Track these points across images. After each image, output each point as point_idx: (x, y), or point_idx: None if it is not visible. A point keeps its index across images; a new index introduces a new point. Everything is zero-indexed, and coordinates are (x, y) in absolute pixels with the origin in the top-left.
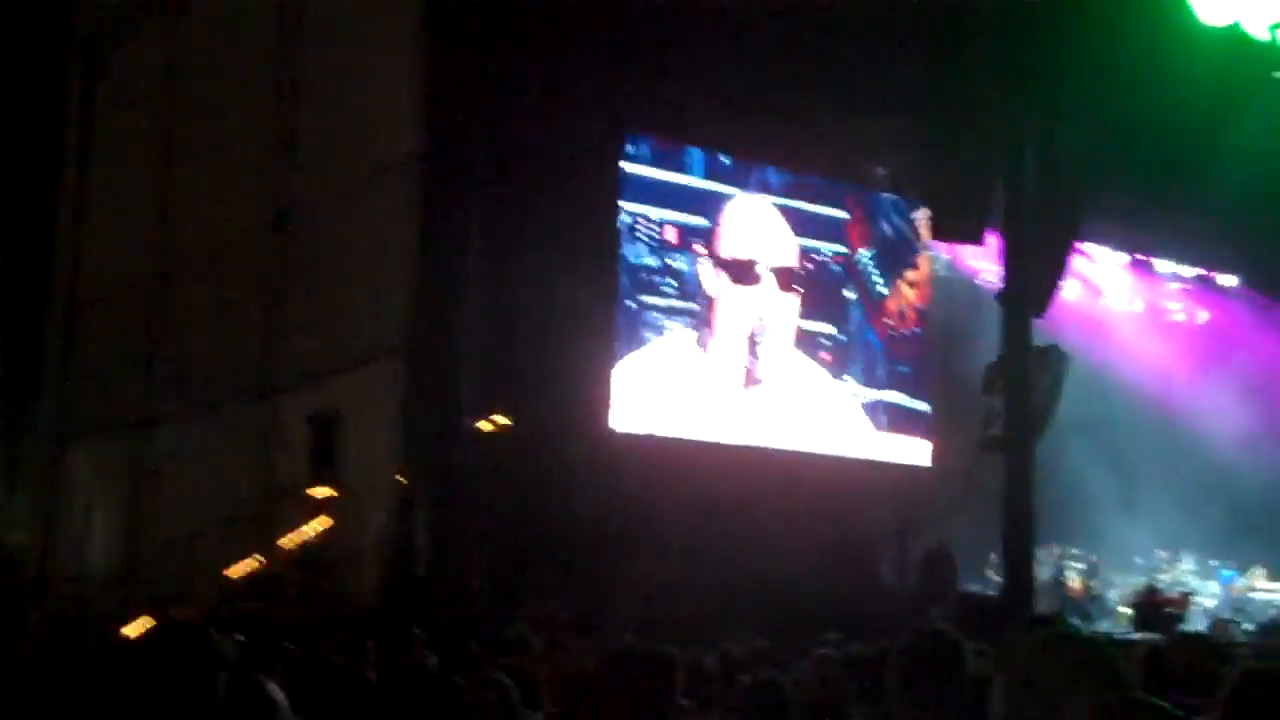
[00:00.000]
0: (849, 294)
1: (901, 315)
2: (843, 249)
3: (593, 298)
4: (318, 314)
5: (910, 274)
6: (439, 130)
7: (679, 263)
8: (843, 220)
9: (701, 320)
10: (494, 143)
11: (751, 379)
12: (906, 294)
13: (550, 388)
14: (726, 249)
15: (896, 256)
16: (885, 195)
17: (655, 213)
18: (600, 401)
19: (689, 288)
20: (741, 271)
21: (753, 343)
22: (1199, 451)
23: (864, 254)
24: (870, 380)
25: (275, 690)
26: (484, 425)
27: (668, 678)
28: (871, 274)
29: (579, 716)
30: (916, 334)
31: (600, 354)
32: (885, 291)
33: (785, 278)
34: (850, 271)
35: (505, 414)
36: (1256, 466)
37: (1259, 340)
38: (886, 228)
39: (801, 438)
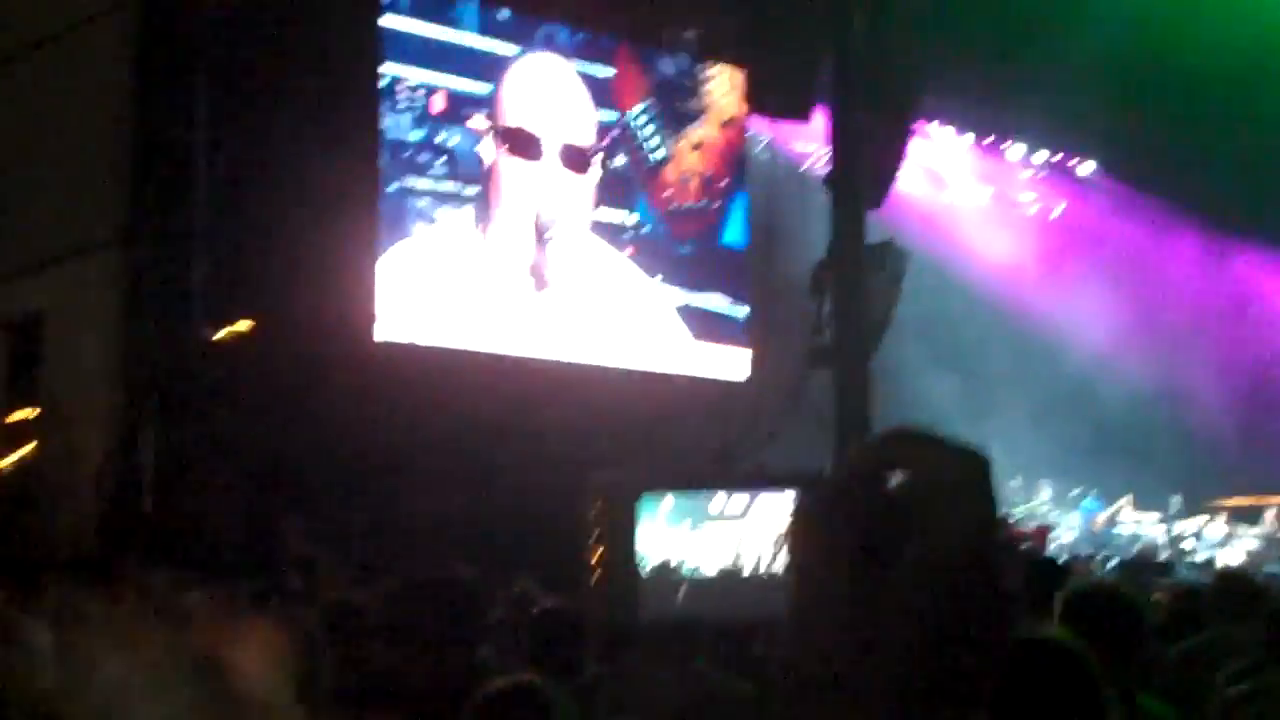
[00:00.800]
0: (619, 162)
1: (684, 184)
2: (611, 113)
3: (349, 179)
4: (10, 197)
5: (695, 132)
6: None
7: (452, 137)
8: (607, 79)
9: (481, 207)
10: None
11: (540, 279)
12: (689, 159)
13: (300, 287)
14: (509, 119)
15: (675, 111)
16: (664, 53)
17: (422, 76)
18: (361, 304)
19: (464, 168)
20: (525, 146)
21: (541, 235)
22: (1057, 360)
23: (634, 112)
24: (675, 278)
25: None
26: (220, 333)
27: (473, 602)
28: (643, 134)
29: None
30: (700, 208)
31: (361, 247)
32: (662, 155)
33: (576, 155)
34: (622, 137)
35: (246, 319)
36: (1122, 377)
37: (1121, 234)
38: (662, 76)
39: (601, 349)
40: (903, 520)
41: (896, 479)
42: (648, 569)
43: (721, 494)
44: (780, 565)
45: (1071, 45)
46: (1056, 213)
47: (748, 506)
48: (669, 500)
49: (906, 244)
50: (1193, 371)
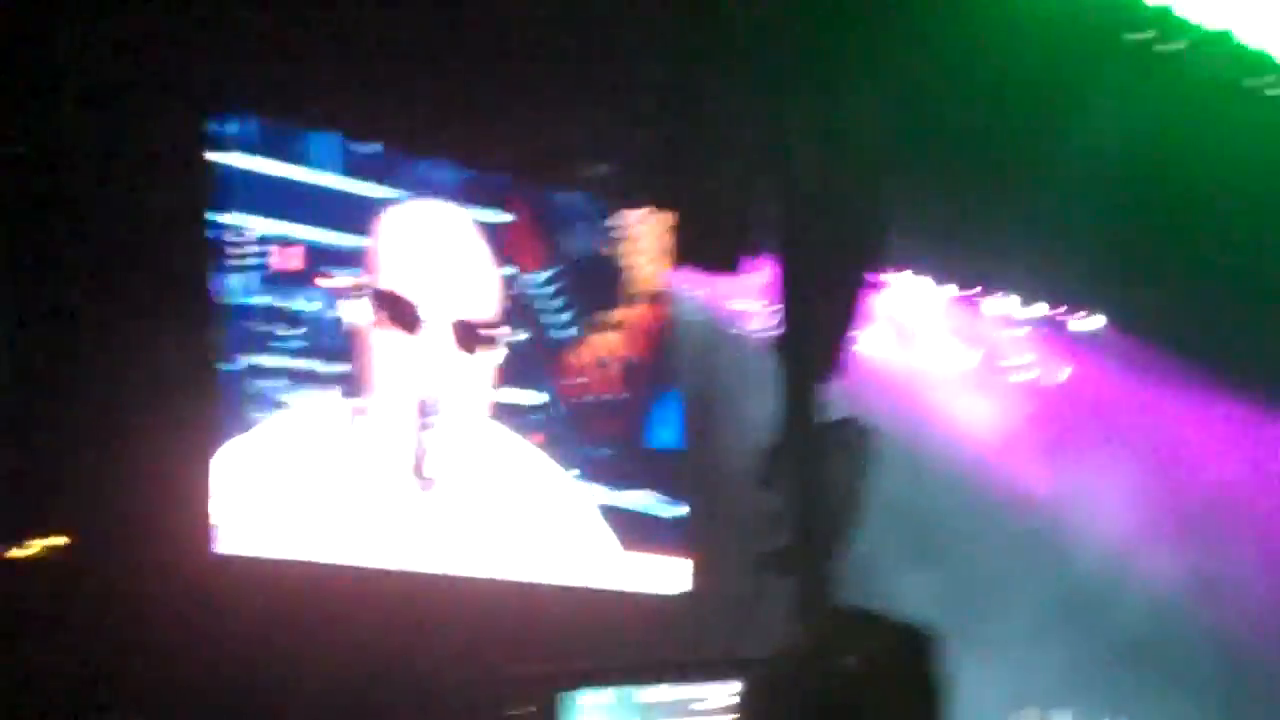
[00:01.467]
0: (520, 336)
1: (602, 370)
2: (509, 269)
3: (179, 357)
4: None
5: (615, 306)
6: None
7: (309, 302)
8: (501, 225)
9: (348, 389)
10: (20, 115)
11: (425, 476)
12: (607, 339)
13: (118, 494)
14: (384, 280)
15: (589, 275)
16: (571, 194)
17: (267, 226)
18: (196, 511)
19: (326, 340)
20: (404, 316)
21: (425, 422)
22: (1066, 553)
23: (538, 276)
24: (593, 473)
25: None
26: (16, 552)
27: None
28: (548, 304)
29: None
30: (622, 402)
31: (194, 440)
32: (572, 333)
33: (469, 329)
34: (522, 303)
35: (49, 535)
36: (1146, 571)
37: (1138, 400)
38: (568, 225)
39: (505, 560)
40: (850, 707)
41: (843, 661)
42: None
43: (663, 687)
44: None
45: (1070, 174)
46: (1061, 377)
47: (690, 699)
48: (606, 696)
49: (873, 419)
50: (1231, 563)
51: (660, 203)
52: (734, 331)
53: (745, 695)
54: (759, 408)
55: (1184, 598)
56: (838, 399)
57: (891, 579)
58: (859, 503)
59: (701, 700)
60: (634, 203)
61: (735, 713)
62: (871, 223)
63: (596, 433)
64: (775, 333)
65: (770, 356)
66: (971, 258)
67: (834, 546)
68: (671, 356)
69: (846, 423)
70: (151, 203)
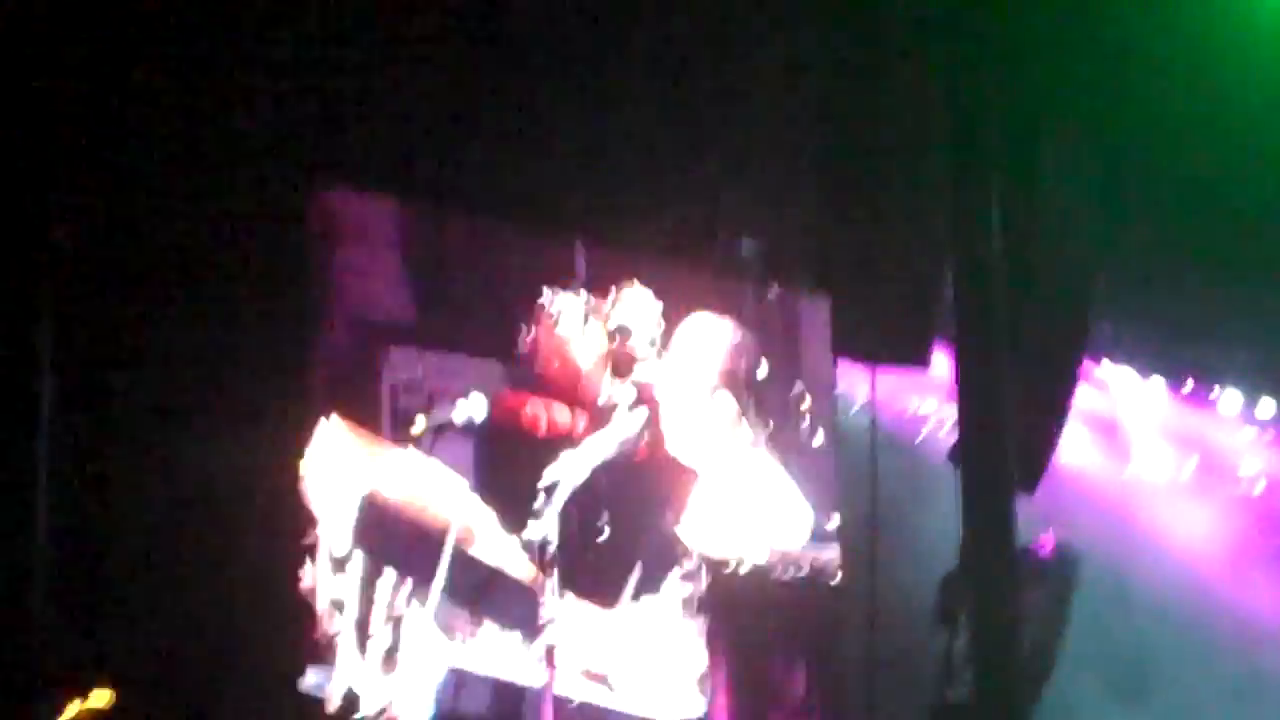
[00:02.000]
0: None
1: None
2: None
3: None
4: None
5: None
6: None
7: None
8: None
9: None
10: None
11: None
12: None
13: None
14: None
15: None
16: None
17: None
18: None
19: None
20: None
21: None
22: None
23: None
24: None
25: None
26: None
27: None
28: None
29: None
30: None
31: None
32: None
33: None
34: None
35: (104, 687)
36: None
37: None
38: None
39: None
40: None
41: None
42: None
43: None
44: None
45: None
46: None
47: None
48: None
49: (1076, 542)
50: None
51: (816, 283)
52: (907, 438)
53: None
54: (939, 530)
55: None
56: (1034, 518)
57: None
58: (1058, 644)
59: None
60: (783, 283)
61: None
62: (1075, 306)
63: None
64: (957, 440)
65: (952, 467)
66: (1190, 347)
67: (1025, 698)
68: None
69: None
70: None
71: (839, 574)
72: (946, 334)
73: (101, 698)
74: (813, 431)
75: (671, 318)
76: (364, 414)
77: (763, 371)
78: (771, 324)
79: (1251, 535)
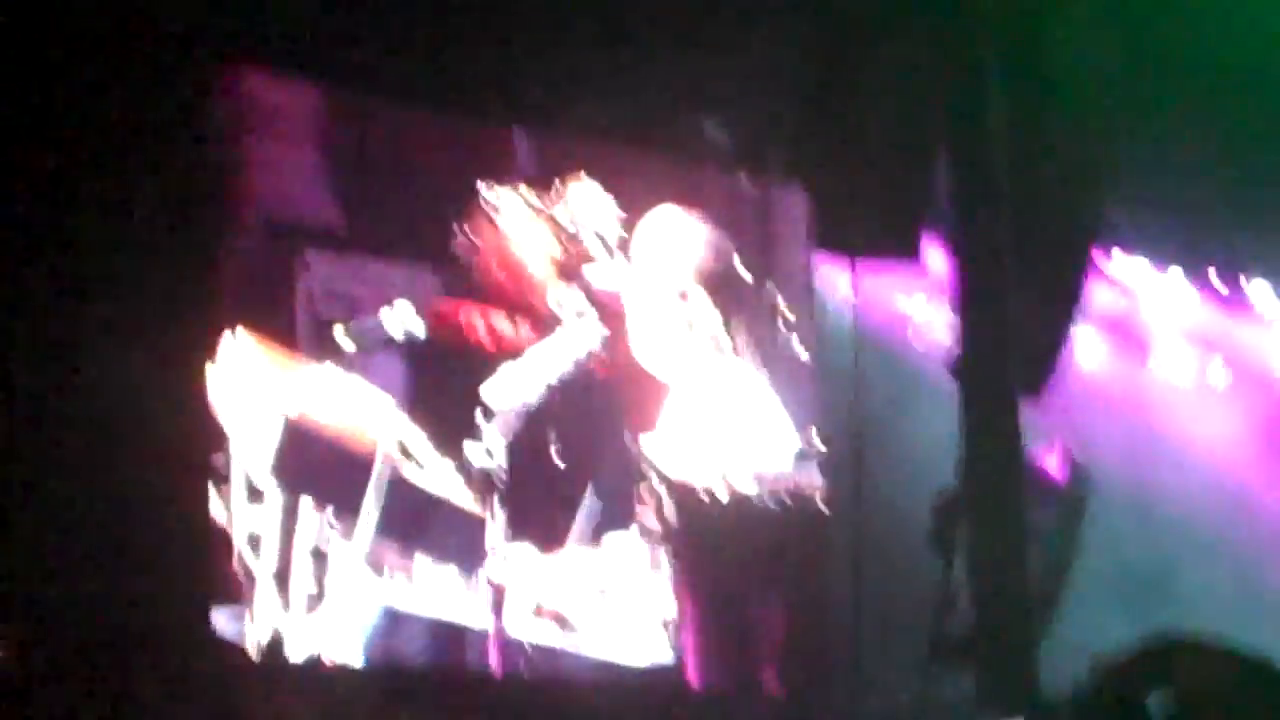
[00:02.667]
0: None
1: None
2: None
3: None
4: None
5: None
6: None
7: None
8: None
9: None
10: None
11: None
12: None
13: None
14: None
15: None
16: None
17: None
18: None
19: None
20: None
21: None
22: None
23: None
24: None
25: None
26: None
27: None
28: None
29: None
30: None
31: None
32: None
33: None
34: None
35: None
36: None
37: None
38: None
39: None
40: None
41: (1157, 697)
42: None
43: None
44: None
45: None
46: None
47: None
48: None
49: (1089, 456)
50: None
51: (789, 171)
52: (895, 343)
53: None
54: (933, 444)
55: None
56: (1042, 430)
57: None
58: (1069, 570)
59: None
60: (758, 172)
61: None
62: (1087, 192)
63: None
64: (955, 342)
65: (949, 375)
66: (1214, 235)
67: (1033, 629)
68: None
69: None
70: None
71: (821, 499)
72: (940, 224)
73: None
74: (789, 336)
75: (628, 213)
76: (278, 326)
77: (735, 270)
78: (741, 217)
79: None
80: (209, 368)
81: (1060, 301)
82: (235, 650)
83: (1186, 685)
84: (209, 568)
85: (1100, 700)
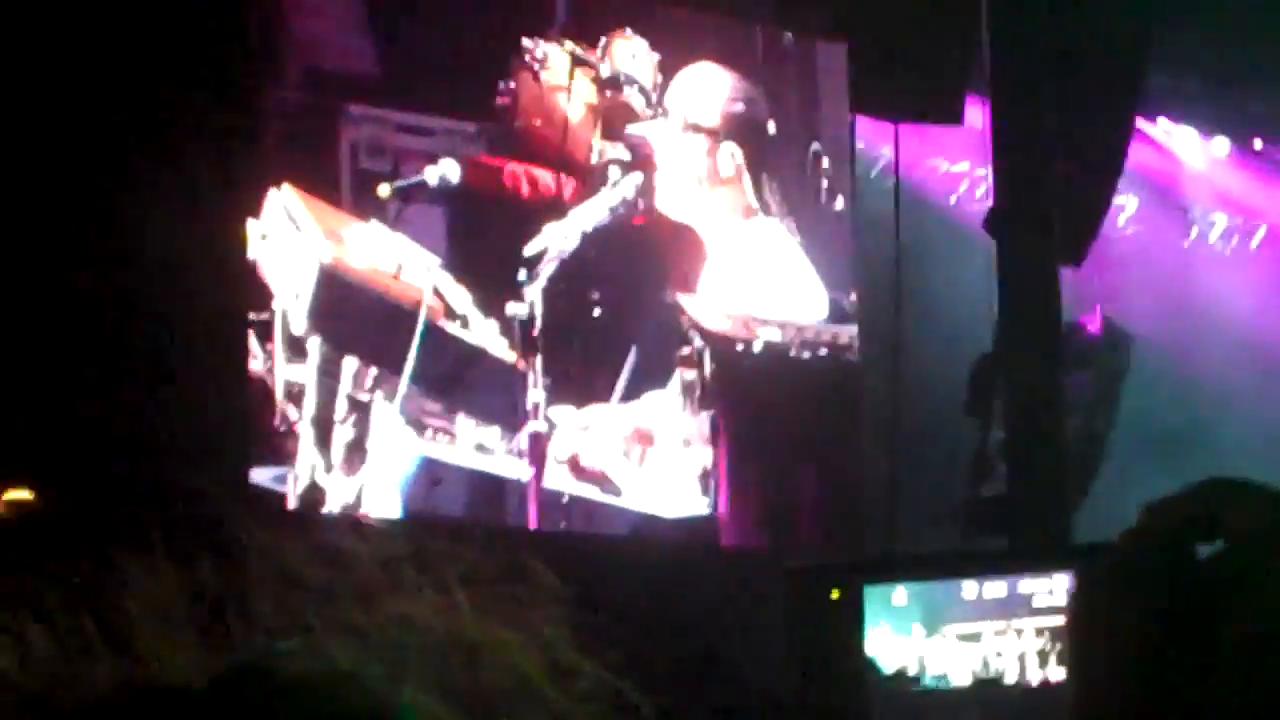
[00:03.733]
0: None
1: None
2: None
3: None
4: None
5: None
6: None
7: None
8: None
9: None
10: None
11: None
12: None
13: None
14: None
15: None
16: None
17: None
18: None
19: None
20: None
21: None
22: None
23: None
24: None
25: None
26: None
27: None
28: None
29: None
30: None
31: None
32: None
33: None
34: None
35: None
36: None
37: None
38: None
39: None
40: (1222, 595)
41: (1210, 543)
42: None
43: (970, 583)
44: (1057, 670)
45: None
46: None
47: (1020, 595)
48: (900, 593)
49: (1126, 320)
50: None
51: (832, 29)
52: (937, 205)
53: (1083, 586)
54: (971, 306)
55: None
56: (1080, 294)
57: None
58: (1107, 434)
59: (1031, 595)
60: (797, 28)
61: (1071, 606)
62: (1128, 55)
63: None
64: (995, 205)
65: (988, 237)
66: (1259, 100)
67: (1072, 494)
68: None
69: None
70: None
71: (858, 355)
72: (981, 86)
73: (21, 493)
74: (831, 196)
75: (669, 69)
76: (321, 180)
77: (772, 127)
78: (785, 75)
79: None
80: (252, 223)
81: (1102, 166)
82: (276, 499)
83: (1235, 527)
84: (250, 422)
85: (1147, 543)
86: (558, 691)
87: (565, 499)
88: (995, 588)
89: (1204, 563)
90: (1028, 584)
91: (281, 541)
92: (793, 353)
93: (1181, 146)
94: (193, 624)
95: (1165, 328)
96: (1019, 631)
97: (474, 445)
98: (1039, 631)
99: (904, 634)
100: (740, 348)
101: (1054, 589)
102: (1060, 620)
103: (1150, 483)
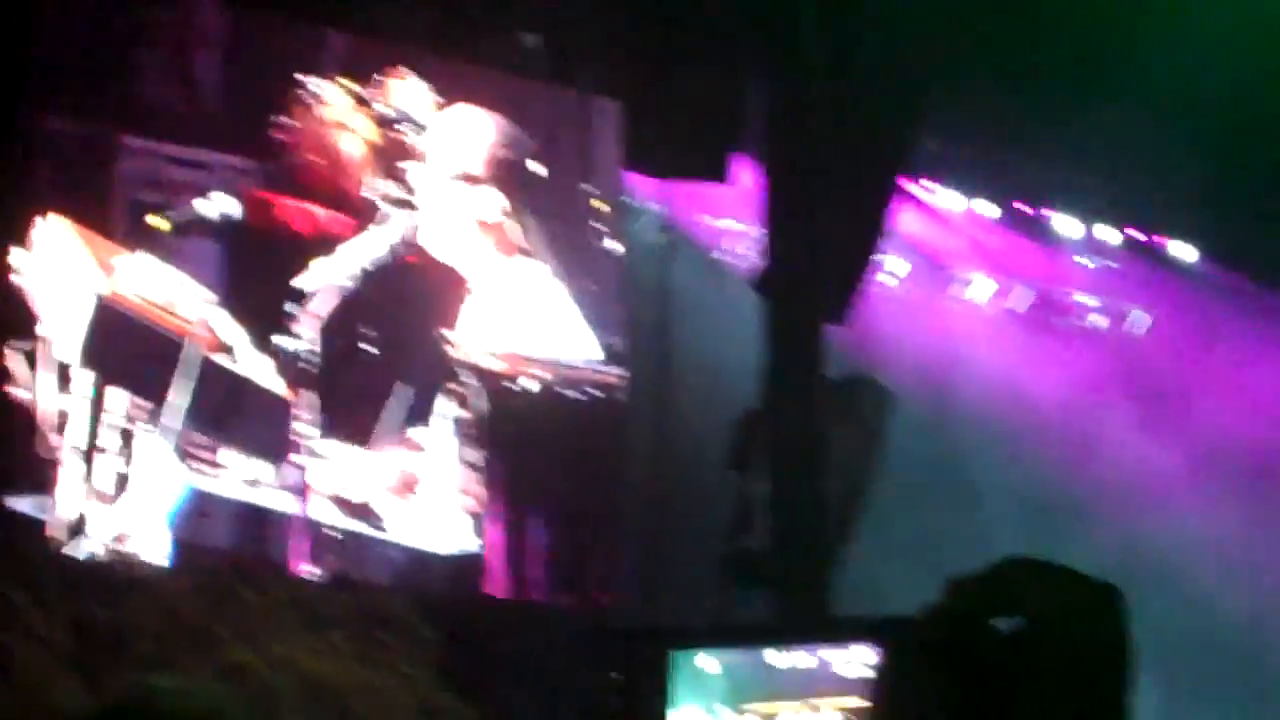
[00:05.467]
0: None
1: None
2: None
3: None
4: None
5: None
6: None
7: None
8: None
9: None
10: None
11: None
12: None
13: None
14: None
15: None
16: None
17: None
18: None
19: None
20: None
21: None
22: (1151, 562)
23: None
24: None
25: None
26: None
27: None
28: None
29: None
30: None
31: None
32: None
33: None
34: None
35: None
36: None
37: (1244, 354)
38: None
39: None
40: (1018, 672)
41: (1009, 620)
42: None
43: (770, 653)
44: None
45: (1156, 61)
46: (1143, 325)
47: (821, 665)
48: (711, 662)
49: (889, 379)
50: None
51: (609, 89)
52: (706, 259)
53: (887, 661)
54: (735, 360)
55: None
56: (845, 351)
57: (907, 584)
58: (868, 488)
59: (833, 665)
60: (573, 85)
61: (875, 681)
62: (900, 120)
63: None
64: (763, 264)
65: (756, 293)
66: (1023, 167)
67: (831, 549)
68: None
69: (857, 383)
70: None
71: (624, 397)
72: (753, 147)
73: None
74: (602, 242)
75: (444, 109)
76: (94, 212)
77: (542, 171)
78: (561, 123)
79: (1093, 374)
80: (17, 251)
81: (868, 225)
82: (37, 527)
83: (1036, 606)
84: (11, 449)
85: (949, 620)
86: None
87: (333, 533)
88: (799, 657)
89: (1003, 640)
90: (830, 654)
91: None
92: (564, 393)
93: (947, 209)
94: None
95: (928, 385)
96: (815, 709)
97: (243, 478)
98: (838, 711)
99: (709, 714)
100: (510, 386)
101: (856, 659)
102: (857, 700)
103: (911, 531)
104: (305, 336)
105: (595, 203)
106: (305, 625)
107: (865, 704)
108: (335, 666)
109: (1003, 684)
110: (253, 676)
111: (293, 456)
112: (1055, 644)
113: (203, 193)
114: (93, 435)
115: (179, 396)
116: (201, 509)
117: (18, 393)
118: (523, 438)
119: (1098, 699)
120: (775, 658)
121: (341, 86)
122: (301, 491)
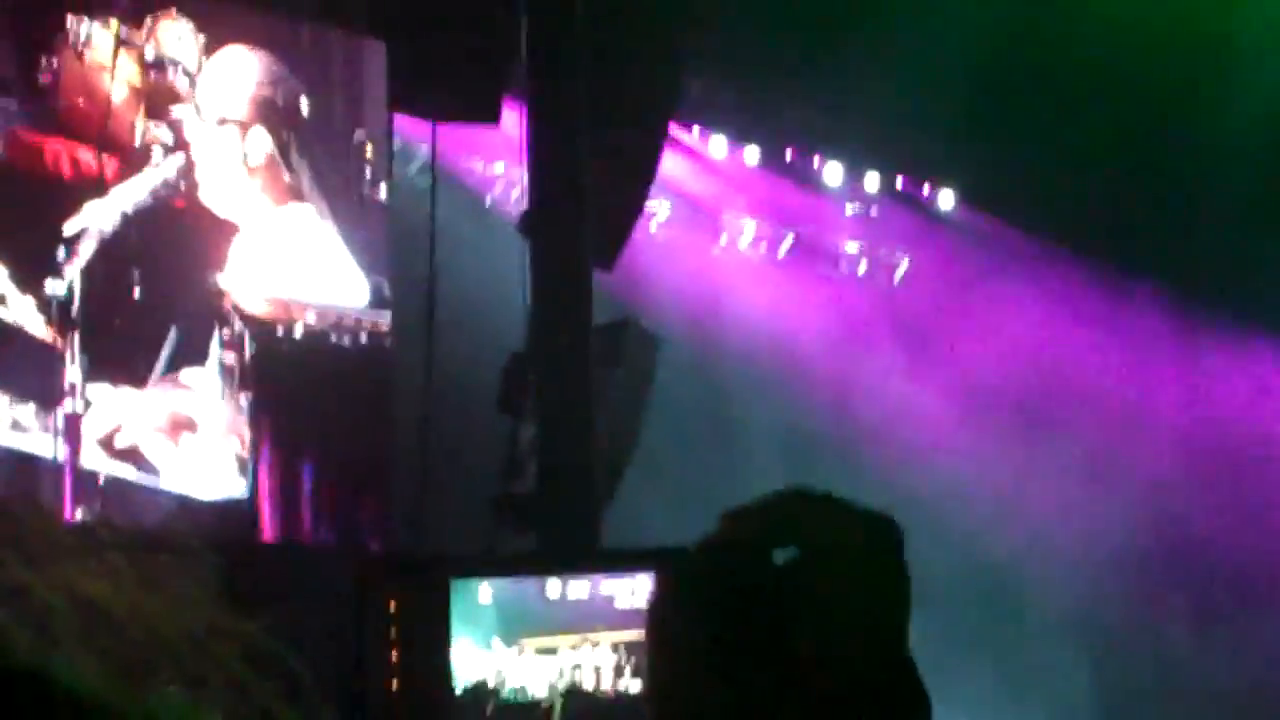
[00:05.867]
0: None
1: None
2: None
3: None
4: None
5: None
6: None
7: None
8: None
9: None
10: None
11: None
12: None
13: None
14: None
15: None
16: None
17: None
18: None
19: None
20: None
21: None
22: (920, 512)
23: None
24: None
25: None
26: None
27: None
28: None
29: None
30: None
31: None
32: None
33: None
34: None
35: None
36: (1028, 536)
37: (1003, 301)
38: None
39: None
40: (795, 603)
41: (786, 552)
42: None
43: (554, 581)
44: (633, 681)
45: (911, 5)
46: (901, 270)
47: (601, 594)
48: (484, 591)
49: (655, 324)
50: (1136, 524)
51: (378, 28)
52: (475, 202)
53: (663, 591)
54: (503, 305)
55: (1070, 577)
56: (611, 295)
57: (675, 523)
58: (633, 432)
59: (614, 595)
60: (330, 23)
61: (651, 611)
62: (664, 63)
63: None
64: (528, 208)
65: (521, 237)
66: (790, 113)
67: (602, 490)
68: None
69: (621, 327)
70: None
71: (390, 342)
72: (519, 89)
73: None
74: (374, 185)
75: (214, 51)
76: None
77: (305, 109)
78: (330, 64)
79: (849, 313)
80: None
81: (635, 171)
82: None
83: (813, 536)
84: None
85: (727, 550)
86: (202, 652)
87: (101, 479)
88: (579, 587)
89: (780, 569)
90: (609, 585)
91: None
92: (332, 338)
93: (714, 154)
94: None
95: (694, 329)
96: (594, 644)
97: (8, 423)
98: (614, 646)
99: (484, 647)
100: (280, 332)
101: (635, 589)
102: (635, 634)
103: (680, 478)
104: (73, 280)
105: (364, 145)
106: (84, 551)
107: (642, 637)
108: (114, 588)
109: (778, 614)
110: (36, 598)
111: (60, 401)
112: (832, 574)
113: None
114: None
115: None
116: None
117: None
118: (291, 381)
119: (874, 628)
120: (554, 589)
121: (109, 29)
122: (70, 436)
